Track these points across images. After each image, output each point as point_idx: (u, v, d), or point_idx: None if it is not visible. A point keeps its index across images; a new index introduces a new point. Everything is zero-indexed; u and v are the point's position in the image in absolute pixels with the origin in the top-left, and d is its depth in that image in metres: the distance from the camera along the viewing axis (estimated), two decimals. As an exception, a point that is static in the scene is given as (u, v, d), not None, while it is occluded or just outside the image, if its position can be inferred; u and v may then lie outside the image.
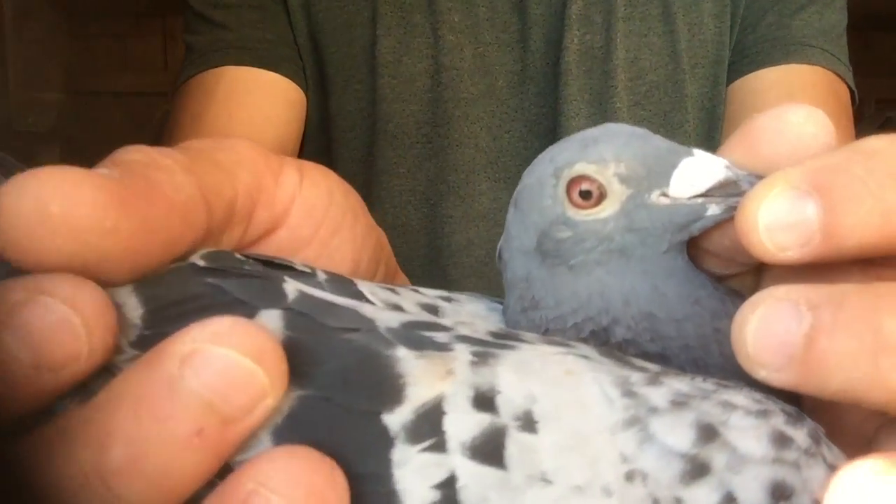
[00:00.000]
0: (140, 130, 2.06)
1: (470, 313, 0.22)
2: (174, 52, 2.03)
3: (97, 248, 0.16)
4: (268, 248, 0.22)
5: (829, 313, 0.16)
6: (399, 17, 0.58)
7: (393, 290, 0.21)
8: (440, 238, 0.59)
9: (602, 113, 0.57)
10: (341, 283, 0.20)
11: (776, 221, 0.17)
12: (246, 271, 0.19)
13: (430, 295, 0.22)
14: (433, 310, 0.21)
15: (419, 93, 0.58)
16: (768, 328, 0.16)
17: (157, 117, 2.03)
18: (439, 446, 0.16)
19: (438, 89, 0.58)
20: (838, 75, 0.58)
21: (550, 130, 0.58)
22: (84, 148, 2.07)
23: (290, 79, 0.58)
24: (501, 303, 0.23)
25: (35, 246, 0.16)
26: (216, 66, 0.56)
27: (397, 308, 0.20)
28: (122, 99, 2.02)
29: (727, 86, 0.60)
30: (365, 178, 0.59)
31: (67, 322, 0.15)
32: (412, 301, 0.21)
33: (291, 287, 0.19)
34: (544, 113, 0.58)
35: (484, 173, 0.58)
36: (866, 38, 2.16)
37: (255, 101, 0.55)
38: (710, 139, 0.59)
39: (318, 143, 0.62)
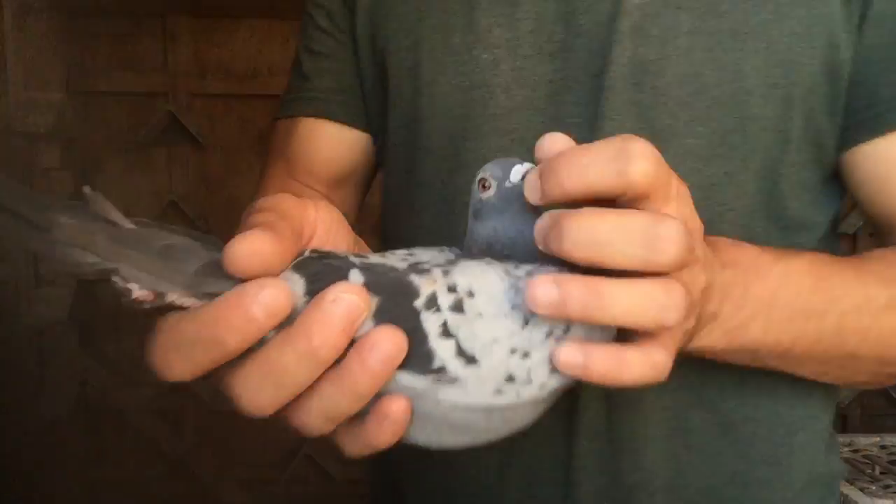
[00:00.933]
0: (140, 130, 2.06)
1: (426, 256, 0.41)
2: (174, 52, 2.02)
3: (272, 263, 0.35)
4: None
5: (566, 218, 0.36)
6: (440, 38, 0.61)
7: (381, 255, 0.40)
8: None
9: (651, 129, 0.55)
10: (362, 256, 0.39)
11: (529, 184, 0.39)
12: (331, 255, 0.38)
13: (399, 254, 0.41)
14: (405, 259, 0.40)
15: (453, 108, 0.61)
16: (542, 224, 0.37)
17: (157, 117, 2.03)
18: (438, 310, 0.36)
19: (470, 105, 0.60)
20: None
21: (586, 141, 0.57)
22: (84, 148, 2.06)
23: (350, 124, 0.71)
24: (450, 249, 0.43)
25: (249, 267, 0.34)
26: (296, 114, 0.73)
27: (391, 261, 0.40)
28: (122, 99, 2.02)
29: (859, 143, 0.57)
30: (406, 188, 0.65)
31: (279, 302, 0.34)
32: (394, 258, 0.40)
33: (354, 259, 0.38)
34: (579, 123, 0.57)
35: None
36: (866, 39, 2.15)
37: (320, 146, 0.72)
38: (780, 161, 0.57)
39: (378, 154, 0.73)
